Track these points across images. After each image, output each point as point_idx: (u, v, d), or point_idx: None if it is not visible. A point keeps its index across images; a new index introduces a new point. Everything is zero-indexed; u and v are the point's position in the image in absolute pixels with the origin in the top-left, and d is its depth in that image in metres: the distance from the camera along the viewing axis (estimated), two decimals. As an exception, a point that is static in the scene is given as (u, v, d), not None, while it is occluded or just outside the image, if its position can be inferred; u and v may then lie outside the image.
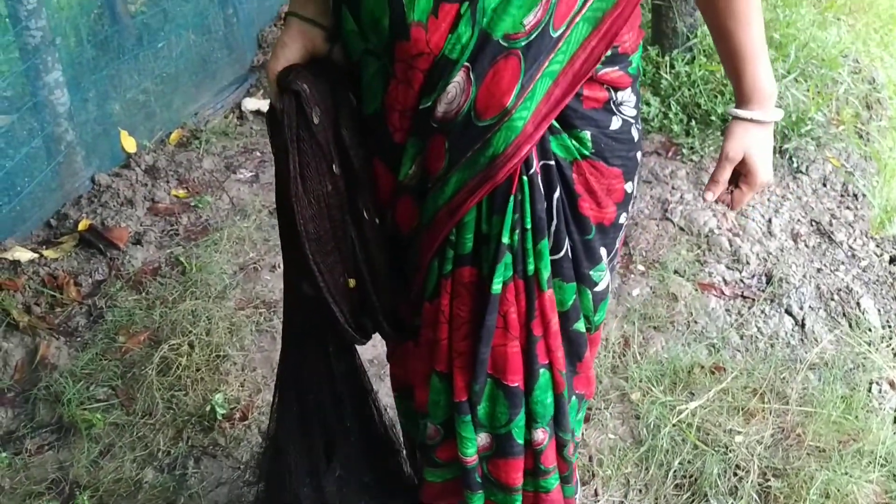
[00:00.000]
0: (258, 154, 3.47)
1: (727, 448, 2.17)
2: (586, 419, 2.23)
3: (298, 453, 1.56)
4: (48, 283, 2.68)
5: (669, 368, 2.40)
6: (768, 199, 3.14)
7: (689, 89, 3.58)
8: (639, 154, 1.36)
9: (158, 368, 2.38)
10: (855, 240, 3.01)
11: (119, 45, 3.48)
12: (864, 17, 4.92)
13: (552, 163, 1.23)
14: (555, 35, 1.12)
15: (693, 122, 3.47)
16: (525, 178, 1.21)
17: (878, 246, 3.00)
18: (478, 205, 1.24)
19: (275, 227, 3.00)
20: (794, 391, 2.34)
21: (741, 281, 2.77)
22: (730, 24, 1.26)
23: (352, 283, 1.34)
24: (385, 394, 2.16)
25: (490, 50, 1.11)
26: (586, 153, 1.25)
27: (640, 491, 2.08)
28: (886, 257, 2.94)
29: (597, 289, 1.38)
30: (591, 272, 1.35)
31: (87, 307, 2.64)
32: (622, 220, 1.37)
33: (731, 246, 2.89)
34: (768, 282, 2.76)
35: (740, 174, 1.36)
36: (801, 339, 2.55)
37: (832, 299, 2.70)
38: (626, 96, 1.27)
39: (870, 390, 2.38)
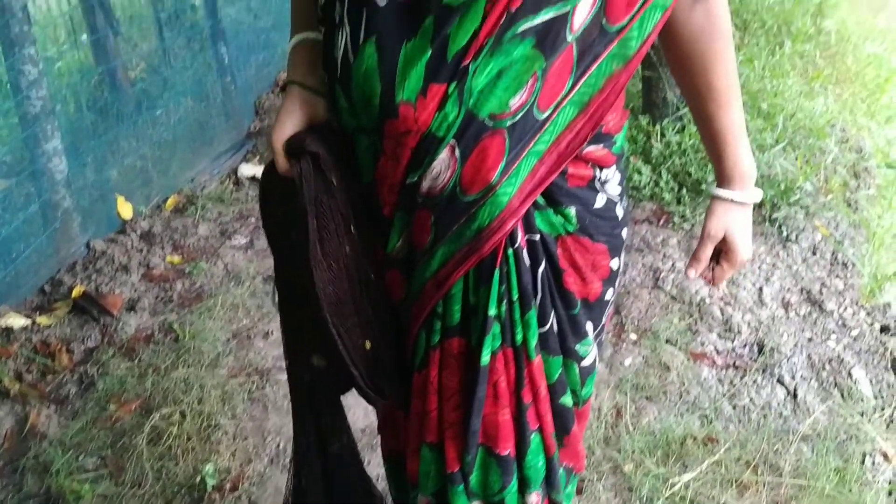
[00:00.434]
0: (253, 220, 3.49)
1: (721, 522, 2.15)
2: (578, 491, 2.22)
3: None
4: (40, 351, 2.67)
5: (662, 439, 2.39)
6: (759, 268, 3.17)
7: (679, 158, 3.64)
8: (624, 231, 1.38)
9: (149, 438, 2.37)
10: (845, 308, 3.02)
11: (118, 111, 3.54)
12: (850, 86, 5.02)
13: (537, 238, 1.25)
14: (540, 117, 1.15)
15: (684, 191, 3.52)
16: (510, 251, 1.23)
17: (868, 315, 3.01)
18: (465, 277, 1.26)
19: (268, 293, 3.02)
20: (788, 463, 2.33)
21: (733, 350, 2.78)
22: (710, 107, 1.29)
23: (368, 344, 1.34)
24: (377, 464, 2.15)
25: (476, 128, 1.14)
26: (571, 229, 1.27)
27: (634, 566, 2.06)
28: (877, 326, 2.96)
29: (584, 363, 1.38)
30: (577, 346, 1.35)
31: (79, 375, 2.63)
32: (608, 296, 1.38)
33: (722, 315, 2.91)
34: (760, 351, 2.77)
35: (721, 252, 1.39)
36: (794, 410, 2.55)
37: (824, 369, 2.70)
38: (611, 174, 1.30)
39: (863, 462, 2.37)
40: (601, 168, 1.28)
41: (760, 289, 3.06)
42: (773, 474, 2.31)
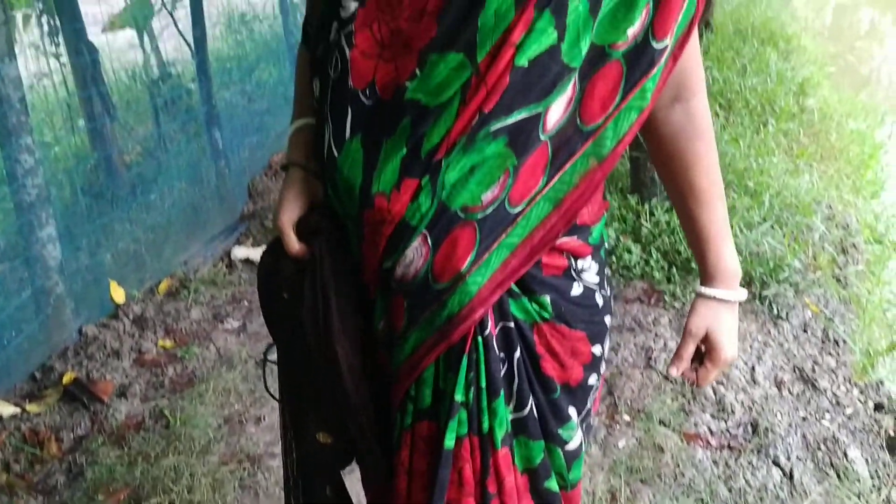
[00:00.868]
0: (246, 303, 3.50)
1: None
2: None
3: None
4: (29, 440, 2.65)
5: (658, 524, 2.36)
6: (750, 346, 3.17)
7: (668, 237, 3.68)
8: (607, 318, 1.38)
9: (137, 529, 2.33)
10: (839, 386, 3.02)
11: (113, 195, 3.58)
12: (835, 163, 5.11)
13: (511, 325, 1.26)
14: (512, 211, 1.17)
15: (674, 269, 3.55)
16: (480, 338, 1.24)
17: (861, 392, 3.01)
18: (436, 362, 1.27)
19: (261, 378, 3.00)
20: (786, 547, 2.30)
21: (727, 430, 2.77)
22: (692, 206, 1.31)
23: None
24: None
25: (447, 219, 1.17)
26: (547, 316, 1.28)
27: None
28: (871, 404, 2.95)
29: (568, 447, 1.38)
30: (559, 430, 1.35)
31: (68, 464, 2.60)
32: (592, 381, 1.38)
33: (715, 394, 2.90)
34: (754, 431, 2.75)
35: (704, 351, 1.38)
36: (790, 492, 2.52)
37: (819, 449, 2.69)
38: (587, 264, 1.31)
39: (862, 545, 2.34)
40: (577, 258, 1.30)
41: (753, 367, 3.06)
42: (771, 559, 2.28)
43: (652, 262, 3.58)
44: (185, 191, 4.03)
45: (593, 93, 1.15)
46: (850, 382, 3.05)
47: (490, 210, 1.17)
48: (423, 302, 1.23)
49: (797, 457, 2.65)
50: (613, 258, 3.65)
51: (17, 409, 2.75)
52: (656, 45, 1.15)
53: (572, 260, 1.29)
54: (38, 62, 3.51)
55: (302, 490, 1.53)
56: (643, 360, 3.08)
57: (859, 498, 2.49)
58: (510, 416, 1.30)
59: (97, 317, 3.27)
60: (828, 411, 2.88)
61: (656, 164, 1.36)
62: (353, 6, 1.20)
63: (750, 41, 6.89)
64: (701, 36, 6.00)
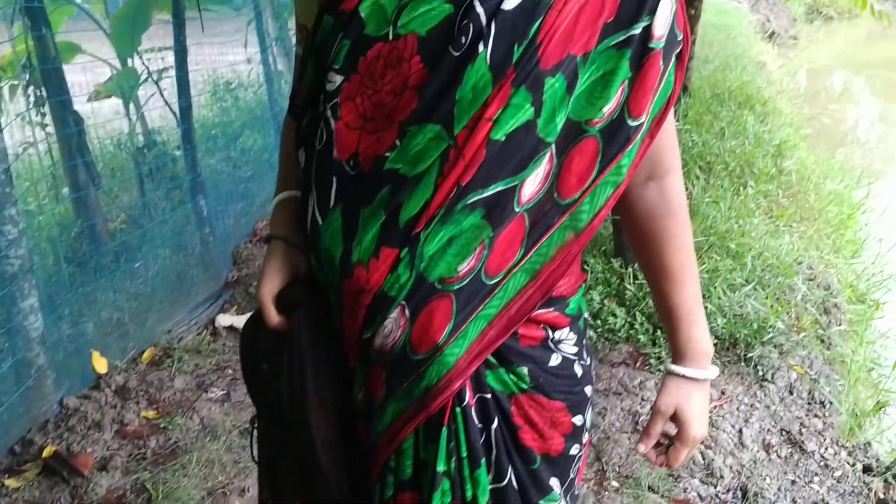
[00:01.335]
0: (230, 371, 3.47)
1: None
2: None
3: None
4: (7, 516, 2.59)
5: None
6: (737, 409, 3.17)
7: (652, 300, 3.69)
8: (587, 388, 1.37)
9: None
10: (826, 448, 3.01)
11: (97, 264, 3.56)
12: (814, 223, 5.17)
13: (488, 396, 1.26)
14: (489, 282, 1.18)
15: (659, 332, 3.55)
16: (458, 409, 1.24)
17: (849, 454, 3.00)
18: (415, 432, 1.27)
19: (245, 448, 2.96)
20: None
21: (717, 496, 2.75)
22: (665, 286, 1.33)
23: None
24: None
25: (425, 291, 1.18)
26: (524, 387, 1.28)
27: None
28: (860, 466, 2.94)
29: None
30: (540, 502, 1.34)
31: (47, 540, 2.55)
32: (573, 451, 1.37)
33: (703, 459, 2.88)
34: (744, 496, 2.73)
35: (675, 429, 1.37)
36: (782, 559, 2.50)
37: (809, 513, 2.67)
38: (565, 335, 1.32)
39: None
40: (554, 329, 1.30)
41: (740, 430, 3.05)
42: None
43: (637, 326, 3.59)
44: (169, 258, 4.01)
45: (570, 167, 1.18)
46: (837, 444, 3.04)
47: (466, 281, 1.18)
48: (401, 373, 1.23)
49: (788, 522, 2.63)
50: (598, 322, 3.66)
51: (-4, 485, 2.69)
52: (632, 123, 1.17)
53: (549, 331, 1.30)
54: (23, 132, 3.52)
55: None
56: (630, 424, 3.07)
57: (851, 564, 2.46)
58: (490, 487, 1.29)
59: (79, 388, 3.22)
60: (816, 474, 2.87)
61: (631, 241, 1.38)
62: (338, 80, 1.23)
63: (727, 104, 7.03)
64: (679, 100, 6.11)
